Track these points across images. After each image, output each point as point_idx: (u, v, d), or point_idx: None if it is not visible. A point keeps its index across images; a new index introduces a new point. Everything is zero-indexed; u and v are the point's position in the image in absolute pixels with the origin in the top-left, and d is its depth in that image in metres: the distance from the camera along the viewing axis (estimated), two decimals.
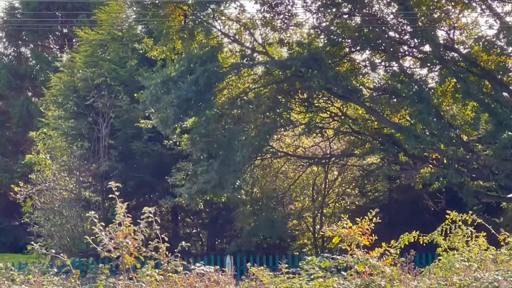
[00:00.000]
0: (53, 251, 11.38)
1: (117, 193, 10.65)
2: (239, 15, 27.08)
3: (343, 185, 33.45)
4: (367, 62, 27.63)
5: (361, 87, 27.01)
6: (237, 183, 26.57)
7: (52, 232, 29.67)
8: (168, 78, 24.81)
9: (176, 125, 25.62)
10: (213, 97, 25.57)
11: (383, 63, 27.87)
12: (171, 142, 28.13)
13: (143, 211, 10.59)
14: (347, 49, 27.69)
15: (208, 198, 27.55)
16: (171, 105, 24.40)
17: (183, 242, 10.97)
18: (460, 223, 11.14)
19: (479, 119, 26.16)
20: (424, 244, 11.40)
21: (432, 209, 30.22)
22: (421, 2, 26.28)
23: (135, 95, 27.09)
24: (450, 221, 11.20)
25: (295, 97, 28.37)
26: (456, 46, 27.13)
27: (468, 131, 26.94)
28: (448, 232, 11.17)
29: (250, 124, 27.55)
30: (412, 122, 26.66)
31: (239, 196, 27.80)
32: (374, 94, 27.93)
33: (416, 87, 25.79)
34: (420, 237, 11.26)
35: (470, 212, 11.52)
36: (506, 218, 29.18)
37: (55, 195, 30.66)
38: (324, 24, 26.78)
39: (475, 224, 11.26)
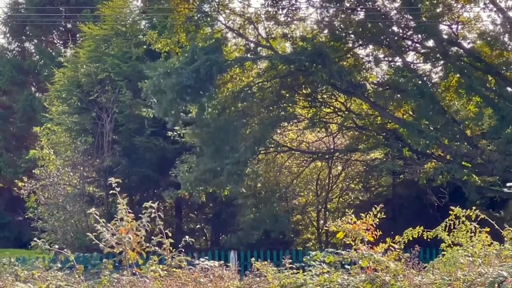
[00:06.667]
0: (57, 246, 11.38)
1: (118, 189, 10.65)
2: (243, 9, 27.13)
3: (347, 180, 33.43)
4: (371, 57, 27.64)
5: (364, 82, 26.99)
6: (238, 174, 26.46)
7: (56, 227, 29.72)
8: (171, 68, 24.76)
9: (174, 111, 25.46)
10: (216, 88, 25.56)
11: (386, 58, 27.85)
12: (174, 133, 28.14)
13: (144, 206, 10.61)
14: (350, 44, 27.66)
15: (211, 190, 27.56)
16: (171, 91, 24.32)
17: (187, 237, 10.98)
18: (464, 218, 11.12)
19: (482, 114, 26.14)
20: (428, 240, 11.39)
21: (436, 204, 30.21)
22: None
23: (138, 84, 27.04)
24: (454, 216, 11.19)
25: (298, 92, 28.36)
26: (460, 41, 27.10)
27: (471, 126, 26.92)
28: (452, 227, 11.15)
29: (254, 118, 27.55)
30: (415, 117, 26.65)
31: (243, 190, 27.78)
32: (378, 89, 27.91)
33: (419, 82, 25.78)
34: (424, 233, 11.24)
35: (474, 208, 11.50)
36: (508, 212, 29.17)
37: (59, 190, 30.69)
38: (327, 18, 26.76)
39: (479, 219, 11.24)
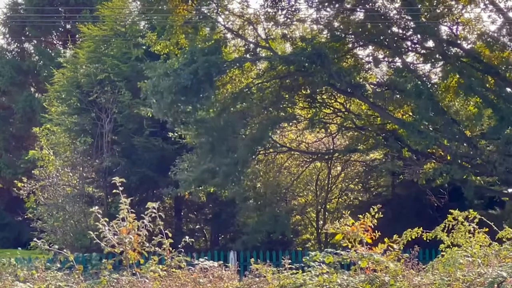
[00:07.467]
0: (56, 246, 11.38)
1: (121, 188, 10.65)
2: (242, 10, 27.11)
3: (346, 180, 33.41)
4: (371, 57, 27.65)
5: (364, 82, 26.99)
6: (236, 174, 26.46)
7: (55, 227, 29.73)
8: (170, 70, 24.75)
9: (172, 112, 25.45)
10: (214, 89, 25.55)
11: (386, 59, 27.85)
12: (175, 135, 28.15)
13: (146, 207, 10.60)
14: (350, 45, 27.67)
15: (212, 190, 27.55)
16: (169, 91, 24.32)
17: (187, 237, 10.98)
18: (462, 219, 11.12)
19: (482, 115, 26.15)
20: (428, 241, 11.39)
21: (435, 204, 30.22)
22: None
23: (138, 84, 27.02)
24: (452, 218, 11.19)
25: (298, 92, 28.35)
26: (459, 42, 27.10)
27: (471, 126, 26.92)
28: (451, 228, 11.15)
29: (253, 119, 27.55)
30: (415, 117, 26.66)
31: (241, 191, 27.78)
32: (378, 90, 27.91)
33: (419, 82, 25.78)
34: (423, 234, 11.24)
35: (473, 208, 11.50)
36: (507, 212, 29.18)
37: (58, 191, 30.70)
38: (327, 19, 26.75)
39: (475, 221, 11.23)
